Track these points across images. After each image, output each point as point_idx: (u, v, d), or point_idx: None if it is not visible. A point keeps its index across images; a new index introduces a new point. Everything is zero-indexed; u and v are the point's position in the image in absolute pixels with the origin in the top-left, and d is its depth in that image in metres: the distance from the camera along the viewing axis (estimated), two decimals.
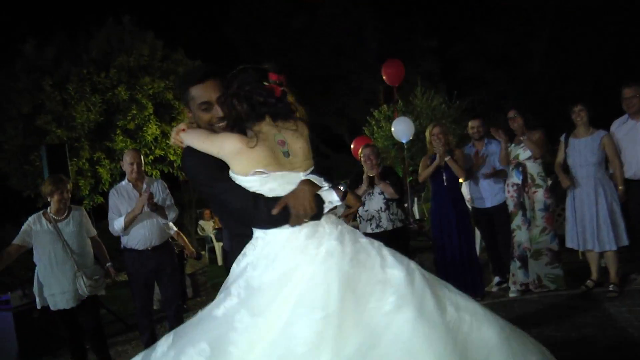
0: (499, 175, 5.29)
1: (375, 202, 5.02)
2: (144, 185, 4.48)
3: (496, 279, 5.50)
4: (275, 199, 1.89)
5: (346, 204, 3.46)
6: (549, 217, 4.97)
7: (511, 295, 5.08)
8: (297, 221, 1.87)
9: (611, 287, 4.64)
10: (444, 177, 5.16)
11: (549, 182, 5.20)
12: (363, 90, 22.16)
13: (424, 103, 13.10)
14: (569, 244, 4.92)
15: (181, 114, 10.42)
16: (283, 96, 1.95)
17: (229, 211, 2.03)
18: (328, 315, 1.66)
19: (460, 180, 5.29)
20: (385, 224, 5.09)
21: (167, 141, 10.27)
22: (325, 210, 1.91)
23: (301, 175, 1.96)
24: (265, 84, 1.93)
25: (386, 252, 1.93)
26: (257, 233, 1.97)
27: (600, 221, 4.63)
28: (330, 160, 22.48)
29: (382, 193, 4.99)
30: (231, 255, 2.09)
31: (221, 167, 1.96)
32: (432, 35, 21.83)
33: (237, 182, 1.93)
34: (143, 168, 4.60)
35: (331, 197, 1.92)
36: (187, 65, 11.28)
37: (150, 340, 4.45)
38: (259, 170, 1.89)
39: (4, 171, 10.05)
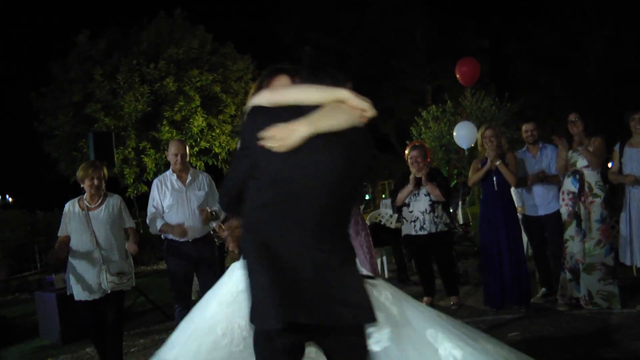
0: (551, 180, 5.02)
1: (420, 204, 4.88)
2: (188, 176, 4.48)
3: (543, 290, 5.22)
4: None
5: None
6: (605, 229, 4.67)
7: (559, 308, 4.81)
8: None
9: None
10: (495, 182, 4.95)
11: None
12: (411, 90, 21.87)
13: (474, 104, 12.74)
14: (622, 259, 4.62)
15: (228, 107, 10.56)
16: None
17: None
18: None
19: (511, 186, 5.06)
20: (429, 227, 4.93)
21: (213, 133, 10.43)
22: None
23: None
24: None
25: None
26: None
27: None
28: (377, 159, 22.34)
29: (427, 195, 4.84)
30: None
31: None
32: (484, 35, 21.31)
33: None
34: (188, 159, 4.61)
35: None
36: (235, 59, 11.39)
37: None
38: None
39: (54, 156, 10.40)
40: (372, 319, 1.75)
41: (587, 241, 4.69)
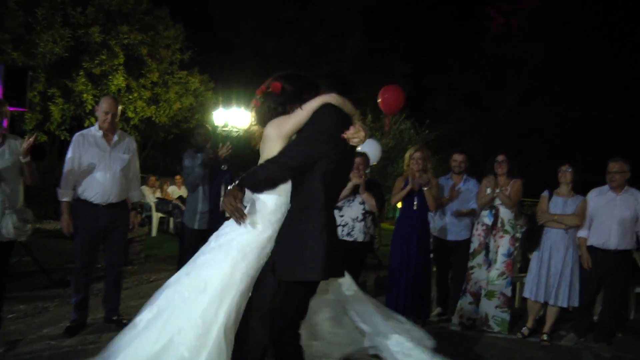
0: (471, 215, 5.34)
1: (353, 211, 4.92)
2: (115, 136, 4.15)
3: (438, 309, 5.53)
4: None
5: None
6: (509, 264, 5.07)
7: (452, 327, 5.13)
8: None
9: (545, 337, 4.84)
10: (415, 202, 5.13)
11: (519, 230, 5.29)
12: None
13: (393, 124, 13.22)
14: (526, 293, 5.03)
15: (151, 72, 9.99)
16: (258, 108, 2.56)
17: None
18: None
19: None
20: (357, 235, 5.00)
21: (130, 96, 9.80)
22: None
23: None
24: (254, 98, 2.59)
25: None
26: None
27: (562, 279, 4.79)
28: None
29: (362, 203, 4.90)
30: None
31: None
32: (409, 61, 22.18)
33: None
34: (117, 119, 4.26)
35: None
36: (168, 25, 10.84)
37: (83, 304, 4.12)
38: None
39: None
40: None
41: (492, 271, 5.07)
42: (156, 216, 10.04)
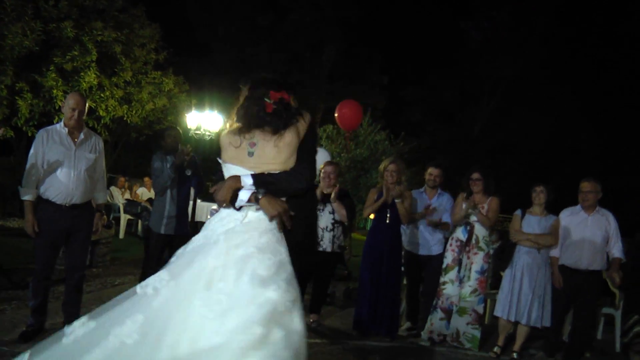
0: (444, 227, 5.32)
1: (323, 220, 4.84)
2: (80, 134, 3.98)
3: (407, 324, 5.45)
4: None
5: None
6: (483, 281, 5.05)
7: (421, 343, 5.08)
8: (219, 203, 2.32)
9: (515, 355, 4.86)
10: (388, 215, 5.09)
11: (492, 247, 5.29)
12: (307, 106, 22.10)
13: (368, 134, 13.27)
14: (498, 312, 5.00)
15: (125, 71, 9.77)
16: (274, 112, 2.33)
17: None
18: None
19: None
20: (326, 244, 4.92)
21: (102, 94, 9.53)
22: (237, 204, 2.24)
23: (247, 172, 2.29)
24: (266, 100, 2.33)
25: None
26: None
27: (534, 298, 4.79)
28: None
29: (332, 213, 4.82)
30: None
31: None
32: (386, 72, 22.34)
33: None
34: (84, 117, 4.09)
35: (242, 196, 2.23)
36: (144, 24, 10.62)
37: (41, 308, 3.92)
38: (220, 160, 2.38)
39: None
40: None
41: (464, 287, 5.04)
42: (124, 218, 9.77)
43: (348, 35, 22.00)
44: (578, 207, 4.98)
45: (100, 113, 9.83)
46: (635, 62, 17.55)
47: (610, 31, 18.00)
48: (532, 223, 4.95)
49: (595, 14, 18.11)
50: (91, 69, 9.16)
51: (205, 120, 9.66)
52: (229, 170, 2.33)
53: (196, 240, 2.27)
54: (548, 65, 17.99)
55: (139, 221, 9.93)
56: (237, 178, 2.26)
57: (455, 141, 20.03)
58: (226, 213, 2.28)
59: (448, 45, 20.57)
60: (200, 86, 13.01)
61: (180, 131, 4.94)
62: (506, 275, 5.06)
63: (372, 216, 5.33)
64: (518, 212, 5.09)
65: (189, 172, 4.67)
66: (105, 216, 4.58)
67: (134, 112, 10.20)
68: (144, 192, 10.55)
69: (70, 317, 4.05)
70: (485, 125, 20.00)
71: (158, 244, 4.55)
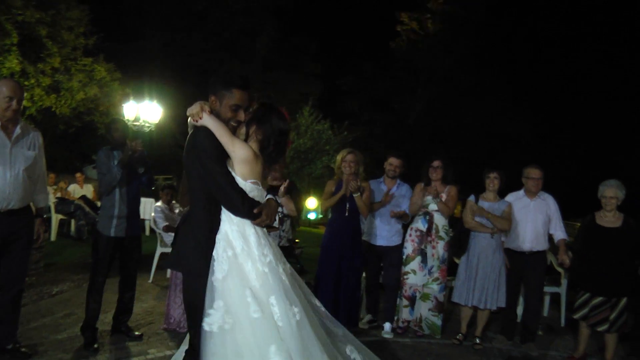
0: (404, 217, 5.27)
1: None
2: (16, 129, 3.52)
3: (368, 317, 5.42)
4: (253, 201, 2.53)
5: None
6: (444, 269, 5.11)
7: (384, 335, 5.04)
8: (260, 223, 2.55)
9: (477, 341, 4.96)
10: (347, 207, 4.99)
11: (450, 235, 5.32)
12: None
13: (310, 124, 13.11)
14: (456, 298, 5.07)
15: (52, 57, 8.93)
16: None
17: (217, 191, 2.50)
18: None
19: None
20: (274, 239, 4.72)
21: (26, 82, 8.68)
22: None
23: (265, 195, 2.66)
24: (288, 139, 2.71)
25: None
26: (226, 227, 2.53)
27: (490, 282, 4.88)
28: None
29: (279, 207, 4.63)
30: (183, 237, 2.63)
31: (225, 156, 2.52)
32: (321, 61, 22.27)
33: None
34: (21, 108, 3.62)
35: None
36: (70, 5, 9.77)
37: None
38: (254, 181, 2.55)
39: None
40: None
41: (426, 275, 5.06)
42: (55, 218, 9.03)
43: (282, 23, 21.69)
44: (521, 192, 5.15)
45: (26, 103, 8.96)
46: (566, 49, 18.57)
47: (543, 19, 18.86)
48: (486, 208, 5.01)
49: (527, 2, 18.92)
50: (12, 53, 8.29)
51: (144, 111, 9.05)
52: (259, 192, 2.58)
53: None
54: (482, 55, 18.59)
55: (72, 221, 9.21)
56: (271, 199, 2.66)
57: (391, 130, 20.33)
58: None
59: (384, 35, 20.78)
60: (133, 74, 12.21)
61: (128, 124, 4.52)
62: (462, 262, 5.12)
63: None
64: (471, 198, 5.15)
65: (141, 170, 4.29)
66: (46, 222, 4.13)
67: (62, 102, 9.39)
68: (76, 189, 9.79)
69: (5, 338, 3.62)
70: (420, 114, 20.43)
71: (108, 247, 4.16)
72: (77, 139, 12.38)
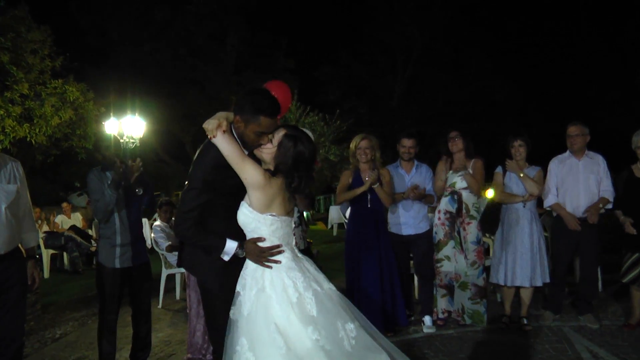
0: (428, 200, 4.87)
1: None
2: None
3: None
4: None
5: None
6: (480, 251, 4.72)
7: (426, 330, 4.66)
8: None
9: (525, 322, 4.61)
10: (368, 198, 4.56)
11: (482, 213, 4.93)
12: (219, 99, 21.18)
13: (299, 118, 12.71)
14: (495, 279, 4.70)
15: (19, 83, 8.32)
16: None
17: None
18: None
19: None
20: (298, 242, 4.33)
21: None
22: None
23: (291, 221, 2.53)
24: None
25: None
26: None
27: (532, 256, 4.52)
28: (170, 168, 20.96)
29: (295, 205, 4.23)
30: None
31: (216, 184, 2.45)
32: (294, 55, 21.93)
33: (249, 213, 2.39)
34: None
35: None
36: (30, 26, 9.16)
37: None
38: (273, 214, 2.38)
39: None
40: None
41: (462, 261, 4.68)
42: (46, 254, 8.44)
43: (250, 23, 21.21)
44: (566, 153, 4.79)
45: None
46: (541, 16, 18.44)
47: None
48: (514, 178, 4.68)
49: None
50: None
51: (127, 126, 8.47)
52: (281, 223, 2.43)
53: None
54: (455, 29, 18.34)
55: (64, 254, 8.64)
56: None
57: (375, 115, 20.00)
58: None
59: (355, 20, 20.38)
60: (105, 92, 11.60)
61: (120, 140, 4.03)
62: (497, 239, 4.76)
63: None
64: (498, 170, 4.79)
65: (140, 191, 3.81)
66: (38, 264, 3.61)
67: (37, 130, 8.76)
68: (64, 220, 9.20)
69: None
70: (403, 95, 20.11)
71: (115, 280, 3.68)
72: (57, 168, 11.77)
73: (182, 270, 6.07)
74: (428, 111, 18.74)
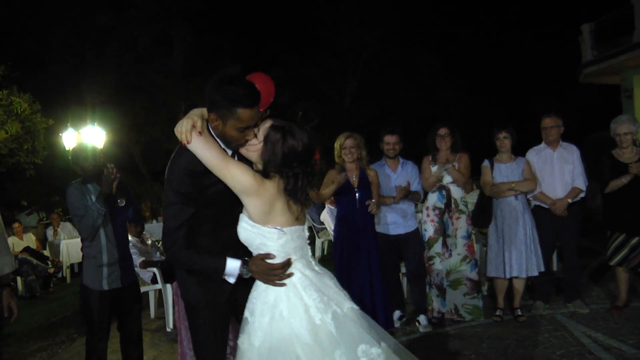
0: (415, 197, 4.81)
1: None
2: None
3: (397, 313, 4.86)
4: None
5: None
6: (471, 245, 4.72)
7: (422, 330, 4.60)
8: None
9: (519, 312, 4.64)
10: (357, 197, 4.43)
11: (470, 208, 4.92)
12: (165, 107, 20.50)
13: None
14: (493, 273, 4.69)
15: None
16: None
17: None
18: None
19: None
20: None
21: None
22: None
23: (304, 229, 2.18)
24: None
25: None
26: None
27: (526, 247, 4.54)
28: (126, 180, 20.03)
29: None
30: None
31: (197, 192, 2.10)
32: (241, 59, 21.60)
33: (249, 227, 2.07)
34: None
35: None
36: None
37: None
38: (278, 228, 2.06)
39: None
40: None
41: (453, 257, 4.66)
42: (20, 282, 7.77)
43: (195, 26, 20.65)
44: (542, 145, 4.88)
45: None
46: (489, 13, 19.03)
47: None
48: (503, 171, 4.70)
49: None
50: None
51: (87, 138, 7.92)
52: (291, 234, 2.12)
53: None
54: (405, 28, 18.64)
55: (18, 278, 7.99)
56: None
57: (328, 118, 19.97)
58: None
59: (304, 22, 20.28)
60: (52, 103, 10.84)
61: (98, 148, 3.70)
62: (491, 232, 4.77)
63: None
64: (486, 164, 4.79)
65: (122, 202, 3.51)
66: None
67: None
68: (16, 242, 8.50)
69: None
70: (355, 96, 20.21)
71: (104, 304, 3.37)
72: (1, 186, 10.87)
73: (157, 286, 5.75)
74: (381, 110, 18.92)
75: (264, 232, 2.05)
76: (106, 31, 17.85)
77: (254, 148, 2.08)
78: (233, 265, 2.07)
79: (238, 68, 22.19)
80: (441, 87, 18.55)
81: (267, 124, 2.07)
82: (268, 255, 2.07)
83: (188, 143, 2.01)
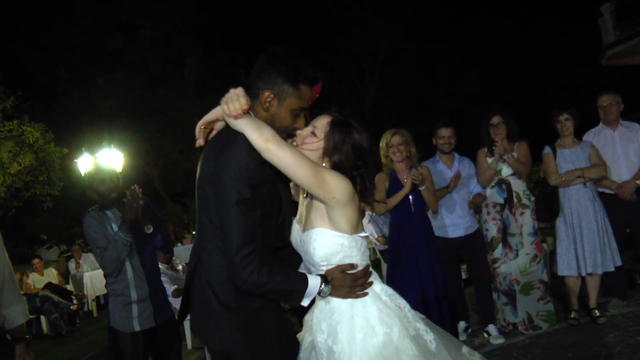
0: (478, 199, 4.31)
1: None
2: None
3: (462, 324, 4.35)
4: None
5: None
6: (538, 242, 4.17)
7: (493, 341, 4.05)
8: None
9: (597, 313, 4.10)
10: (411, 201, 3.90)
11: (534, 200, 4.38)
12: (182, 127, 20.26)
13: None
14: (565, 271, 4.13)
15: None
16: None
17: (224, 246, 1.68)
18: None
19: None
20: None
21: None
22: None
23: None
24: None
25: None
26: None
27: (600, 240, 4.01)
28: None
29: None
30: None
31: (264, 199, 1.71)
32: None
33: (339, 240, 1.77)
34: None
35: None
36: None
37: None
38: (364, 234, 1.85)
39: None
40: None
41: (521, 257, 4.12)
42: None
43: (206, 43, 20.47)
44: (599, 125, 4.44)
45: None
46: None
47: None
48: (567, 157, 4.17)
49: None
50: None
51: (105, 161, 7.50)
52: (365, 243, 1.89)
53: None
54: (419, 25, 18.23)
55: (42, 317, 7.57)
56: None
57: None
58: None
59: (316, 30, 19.94)
60: (65, 131, 10.54)
61: (116, 171, 3.27)
62: (559, 226, 4.19)
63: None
64: (547, 150, 4.26)
65: (149, 229, 3.03)
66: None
67: None
68: (37, 279, 8.11)
69: None
70: (375, 99, 19.79)
71: (137, 347, 2.91)
72: (19, 222, 10.56)
73: None
74: (402, 112, 18.42)
75: (352, 242, 1.78)
76: (117, 55, 17.75)
77: (312, 147, 1.78)
78: (314, 283, 1.72)
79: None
80: (463, 83, 18.05)
81: (325, 119, 1.82)
82: (351, 266, 1.78)
83: (236, 118, 1.67)
